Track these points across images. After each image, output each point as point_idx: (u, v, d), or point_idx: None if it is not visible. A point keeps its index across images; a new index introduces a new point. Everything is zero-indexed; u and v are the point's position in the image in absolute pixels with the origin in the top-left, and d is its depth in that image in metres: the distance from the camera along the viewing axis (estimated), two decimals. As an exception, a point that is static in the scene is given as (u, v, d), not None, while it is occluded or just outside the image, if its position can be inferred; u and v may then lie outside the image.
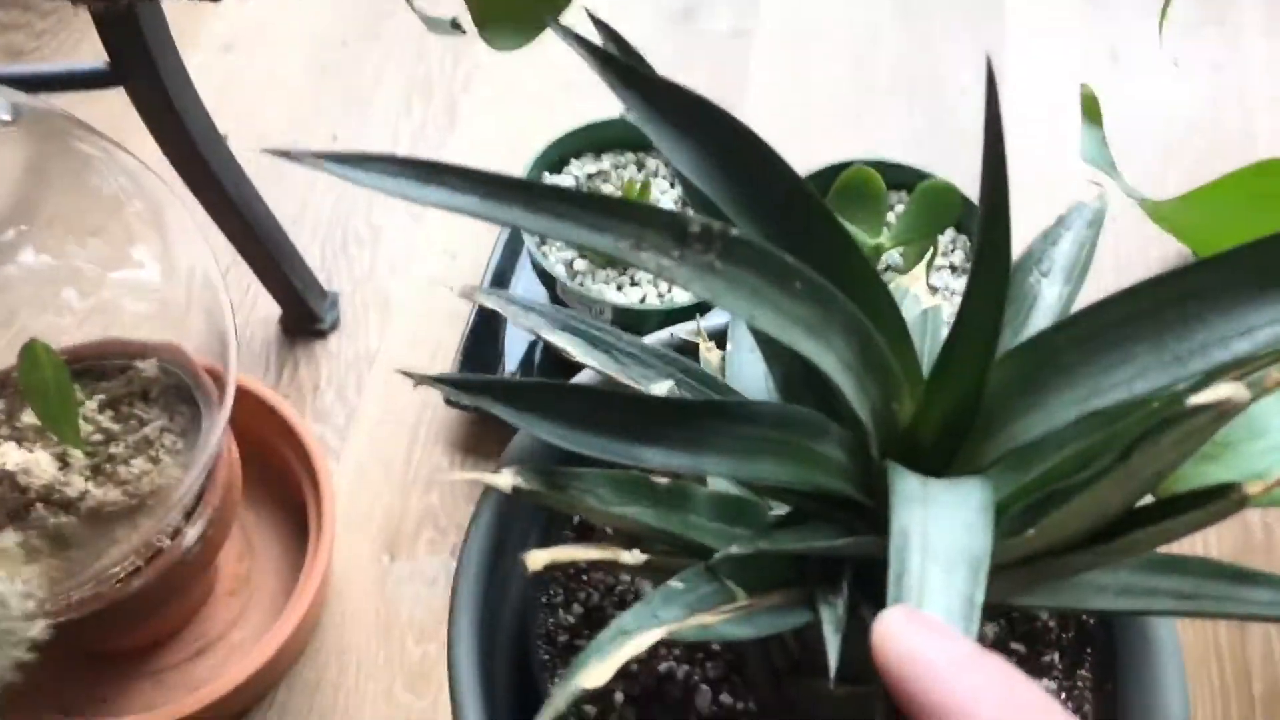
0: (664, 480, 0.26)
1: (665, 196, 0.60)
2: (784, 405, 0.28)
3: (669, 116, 0.26)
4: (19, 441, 0.45)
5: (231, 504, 0.47)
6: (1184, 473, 0.27)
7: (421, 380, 0.23)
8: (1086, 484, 0.23)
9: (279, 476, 0.56)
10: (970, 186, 0.71)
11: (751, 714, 0.37)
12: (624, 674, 0.37)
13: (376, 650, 0.53)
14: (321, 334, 0.64)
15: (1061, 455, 0.27)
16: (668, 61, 0.82)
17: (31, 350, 0.39)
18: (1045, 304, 0.36)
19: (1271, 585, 0.25)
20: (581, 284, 0.57)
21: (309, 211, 0.70)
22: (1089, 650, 0.38)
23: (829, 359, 0.25)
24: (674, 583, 0.23)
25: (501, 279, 0.64)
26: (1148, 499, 0.27)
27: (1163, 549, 0.28)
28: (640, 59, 0.29)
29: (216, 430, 0.43)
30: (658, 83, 0.25)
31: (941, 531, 0.21)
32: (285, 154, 0.18)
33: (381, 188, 0.19)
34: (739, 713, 0.37)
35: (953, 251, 0.61)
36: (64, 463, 0.44)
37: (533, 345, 0.61)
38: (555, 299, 0.59)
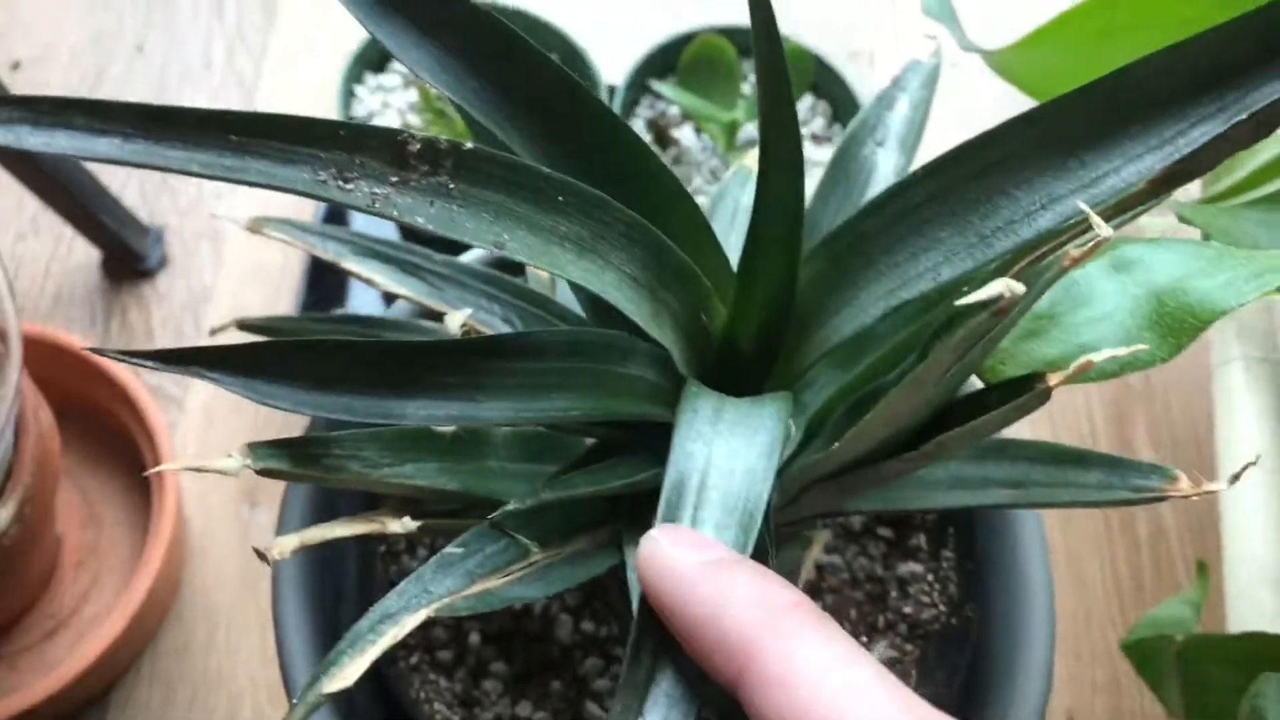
0: (449, 428, 0.24)
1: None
2: (576, 330, 0.25)
3: (404, 13, 0.22)
4: None
5: (49, 476, 0.43)
6: (1008, 349, 0.25)
7: (99, 352, 0.20)
8: (892, 386, 0.21)
9: (114, 435, 0.52)
10: (828, 44, 0.68)
11: (614, 638, 0.36)
12: (479, 616, 0.35)
13: (245, 606, 0.51)
14: (149, 274, 0.59)
15: (877, 354, 0.25)
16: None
17: None
18: (881, 176, 0.34)
19: (1102, 466, 0.24)
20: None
21: (123, 140, 0.64)
22: (951, 530, 0.37)
23: (607, 277, 0.22)
24: (451, 548, 0.20)
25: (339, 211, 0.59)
26: (970, 388, 0.25)
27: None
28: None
29: (6, 400, 0.39)
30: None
31: (721, 476, 0.19)
32: None
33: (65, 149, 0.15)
34: (602, 638, 0.36)
35: (812, 119, 0.58)
36: None
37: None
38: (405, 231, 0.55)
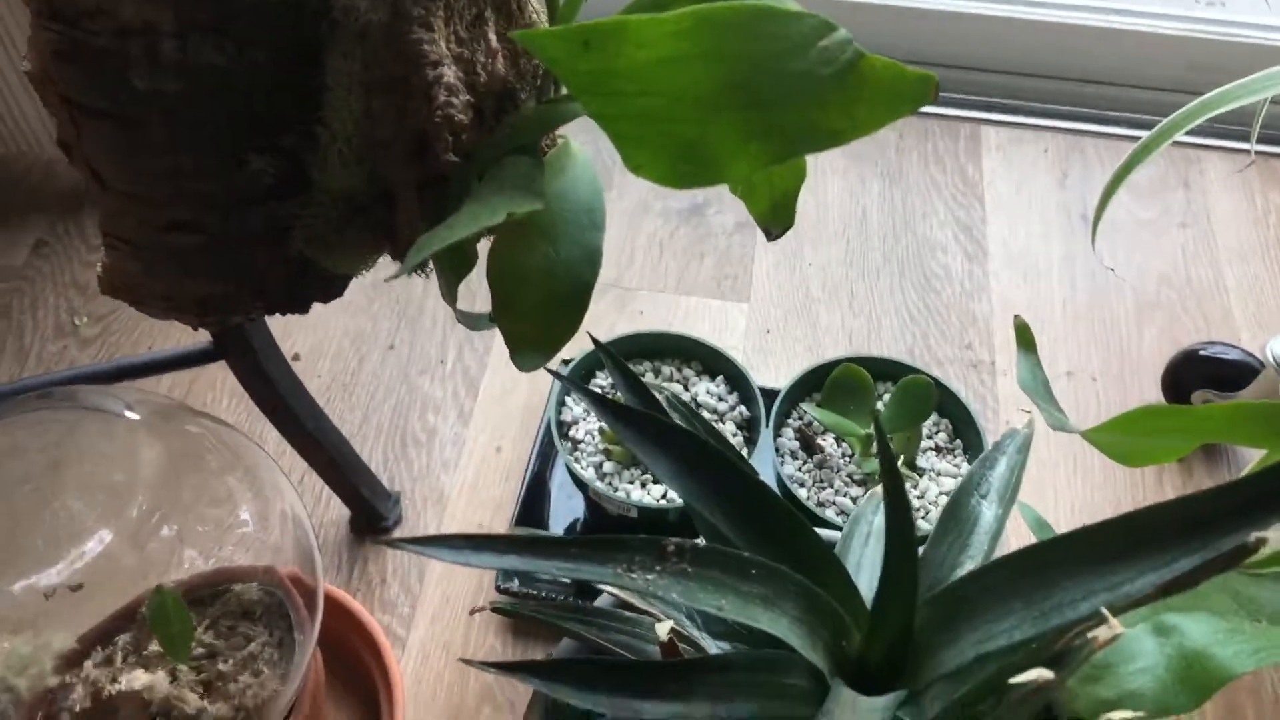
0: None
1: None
2: (753, 652, 0.35)
3: (650, 438, 0.35)
4: (145, 667, 0.54)
5: (319, 708, 0.55)
6: (1075, 688, 0.34)
7: (470, 663, 0.32)
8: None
9: (352, 667, 0.65)
10: (950, 365, 0.80)
11: None
12: None
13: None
14: (386, 530, 0.73)
15: (973, 683, 0.34)
16: (680, 253, 0.92)
17: (160, 596, 0.48)
18: (984, 525, 0.44)
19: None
20: (610, 484, 0.65)
21: (371, 418, 0.80)
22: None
23: (783, 622, 0.33)
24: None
25: (539, 480, 0.73)
26: None
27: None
28: (638, 384, 0.38)
29: (310, 643, 0.52)
30: (640, 415, 0.33)
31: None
32: (387, 542, 0.27)
33: (451, 560, 0.27)
34: None
35: (936, 434, 0.68)
36: (174, 677, 0.53)
37: (575, 520, 0.70)
38: (588, 499, 0.67)
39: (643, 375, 0.70)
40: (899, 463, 0.67)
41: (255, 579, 0.55)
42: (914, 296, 0.89)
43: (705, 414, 0.68)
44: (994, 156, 1.01)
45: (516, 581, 0.68)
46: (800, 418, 0.69)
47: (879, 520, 0.49)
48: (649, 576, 0.30)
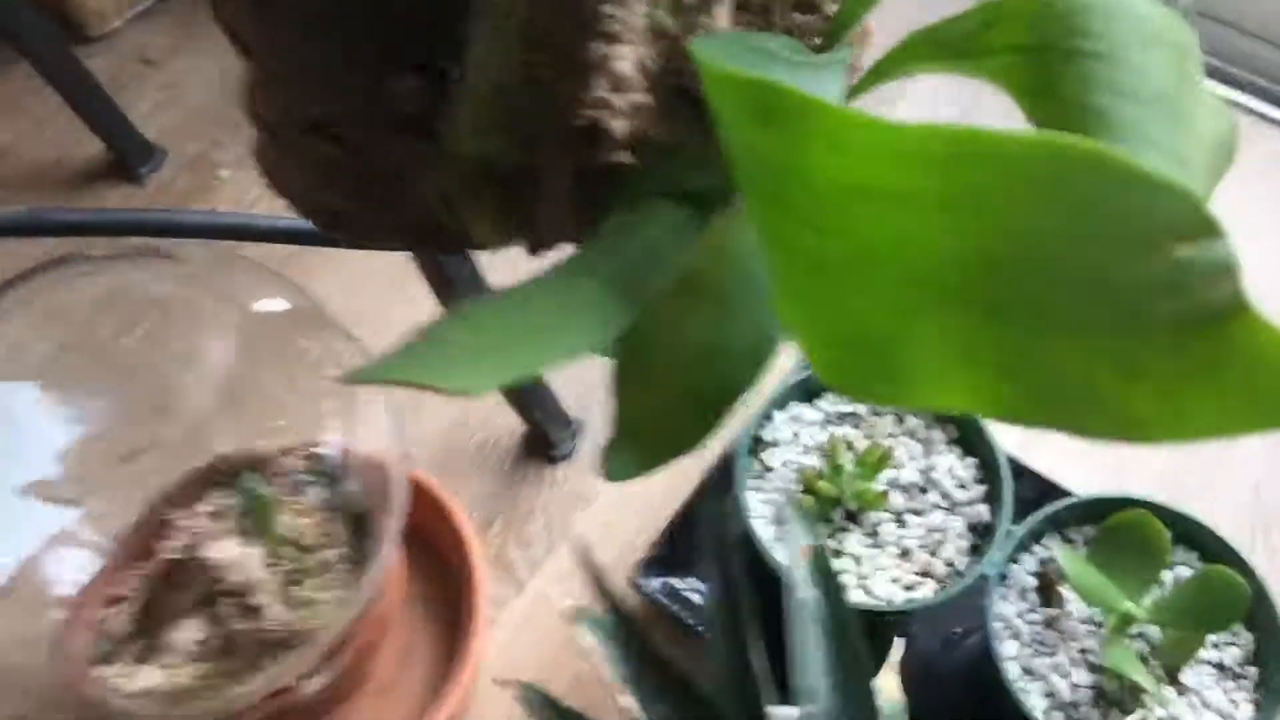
0: None
1: (911, 464, 0.55)
2: None
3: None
4: (243, 534, 0.50)
5: (371, 653, 0.50)
6: None
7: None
8: None
9: (445, 581, 0.59)
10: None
11: None
12: None
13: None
14: (552, 460, 0.67)
15: None
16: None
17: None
18: None
19: None
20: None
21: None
22: None
23: None
24: None
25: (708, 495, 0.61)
26: None
27: None
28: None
29: (374, 582, 0.46)
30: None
31: None
32: None
33: None
34: None
35: (1227, 646, 0.50)
36: (275, 562, 0.49)
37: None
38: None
39: (877, 419, 0.56)
40: (1158, 667, 0.50)
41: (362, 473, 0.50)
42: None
43: (933, 496, 0.54)
44: None
45: (659, 585, 0.59)
46: (1051, 553, 0.53)
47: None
48: None
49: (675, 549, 0.62)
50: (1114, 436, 0.16)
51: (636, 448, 0.29)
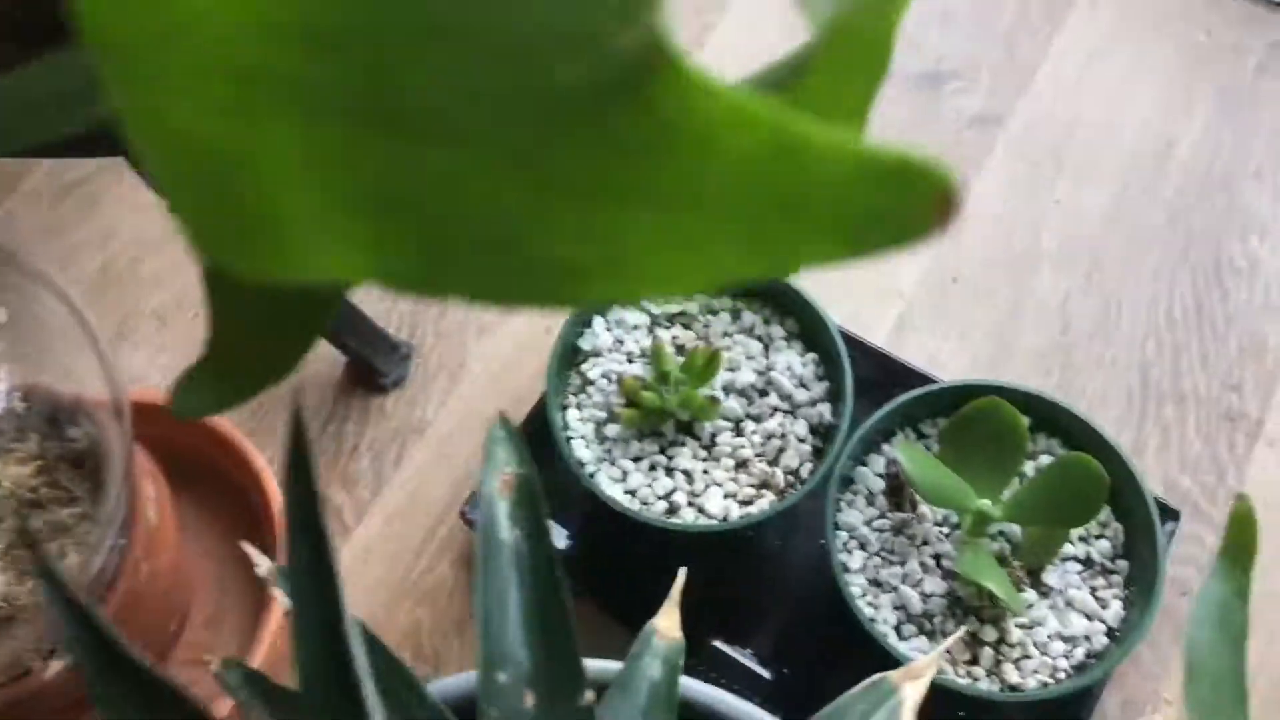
0: None
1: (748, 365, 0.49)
2: None
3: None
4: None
5: (165, 618, 0.44)
6: None
7: None
8: None
9: (258, 537, 0.54)
10: (1192, 407, 0.55)
11: None
12: None
13: None
14: (382, 390, 0.60)
15: None
16: (900, 131, 0.68)
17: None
18: None
19: None
20: (600, 465, 0.48)
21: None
22: None
23: None
24: None
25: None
26: None
27: None
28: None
29: (106, 543, 0.40)
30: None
31: None
32: None
33: None
34: None
35: (1096, 539, 0.45)
36: None
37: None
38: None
39: (711, 317, 0.50)
40: (1020, 568, 0.45)
41: (93, 415, 0.44)
42: (1187, 289, 0.61)
43: (773, 398, 0.48)
44: None
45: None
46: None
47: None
48: None
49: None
50: (542, 297, 0.10)
51: (219, 374, 0.22)
